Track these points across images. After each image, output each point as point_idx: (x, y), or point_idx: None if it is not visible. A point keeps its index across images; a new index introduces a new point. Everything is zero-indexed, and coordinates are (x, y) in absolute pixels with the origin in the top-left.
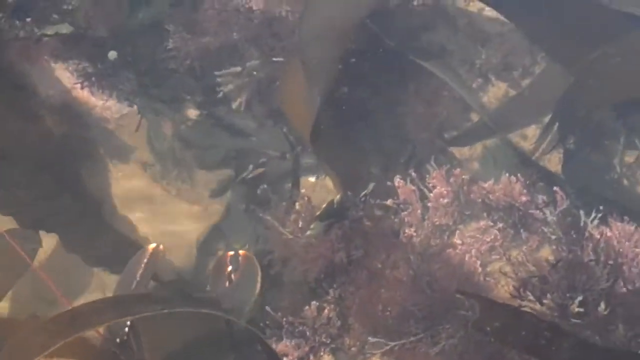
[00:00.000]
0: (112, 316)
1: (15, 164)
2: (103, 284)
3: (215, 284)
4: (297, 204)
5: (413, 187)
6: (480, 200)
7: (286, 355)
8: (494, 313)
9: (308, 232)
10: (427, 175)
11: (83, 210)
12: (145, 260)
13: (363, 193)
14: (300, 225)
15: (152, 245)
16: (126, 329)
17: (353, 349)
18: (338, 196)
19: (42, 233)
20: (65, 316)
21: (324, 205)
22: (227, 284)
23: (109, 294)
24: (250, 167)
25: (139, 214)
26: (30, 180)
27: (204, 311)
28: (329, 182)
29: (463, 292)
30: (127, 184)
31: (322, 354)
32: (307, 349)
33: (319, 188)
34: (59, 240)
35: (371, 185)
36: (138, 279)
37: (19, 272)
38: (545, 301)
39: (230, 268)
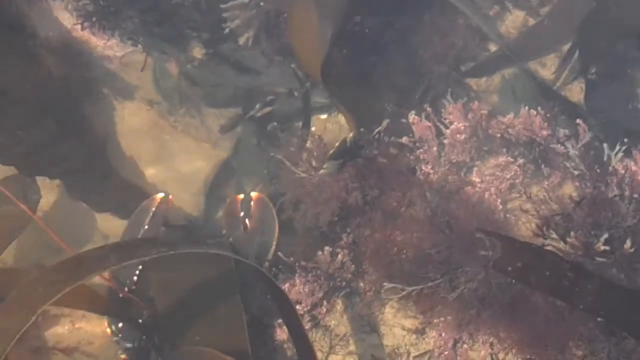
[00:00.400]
0: (116, 260)
1: (15, 108)
2: (107, 233)
3: (230, 229)
4: (308, 142)
5: (429, 123)
6: (499, 135)
7: (299, 302)
8: (516, 252)
9: (321, 171)
10: (443, 110)
11: (87, 154)
12: (153, 209)
13: (377, 130)
14: (313, 164)
15: (161, 195)
16: (135, 278)
17: (368, 294)
18: (351, 134)
19: (45, 181)
20: (69, 263)
21: (336, 144)
22: (242, 228)
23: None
24: (258, 105)
25: (145, 154)
26: (31, 125)
27: (211, 252)
28: (341, 119)
29: (484, 230)
30: (133, 121)
31: (336, 299)
32: (320, 294)
33: (330, 125)
34: (63, 187)
35: (385, 122)
36: (146, 227)
37: (22, 222)
38: (568, 240)
39: (242, 213)
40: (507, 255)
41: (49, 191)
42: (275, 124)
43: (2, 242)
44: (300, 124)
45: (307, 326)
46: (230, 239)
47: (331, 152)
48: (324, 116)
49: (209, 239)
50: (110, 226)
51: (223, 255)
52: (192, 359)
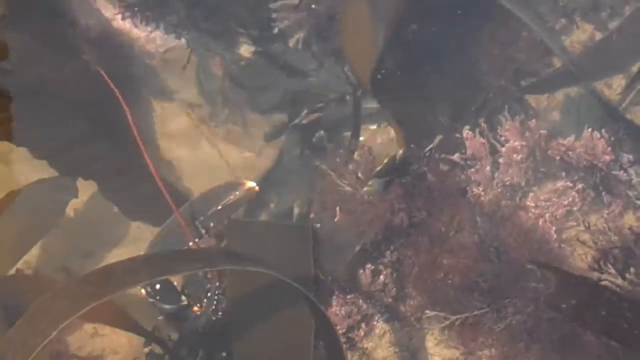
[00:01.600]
0: (146, 276)
1: (49, 102)
2: (140, 237)
3: None
4: (356, 153)
5: (483, 140)
6: (558, 157)
7: (335, 324)
8: (571, 288)
9: (365, 189)
10: (499, 127)
11: (123, 155)
12: (237, 193)
13: (429, 147)
14: (359, 177)
15: (251, 184)
16: None
17: (409, 320)
18: (400, 150)
19: (80, 181)
20: (96, 276)
21: (385, 160)
22: None
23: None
24: (305, 111)
25: (183, 160)
26: (65, 121)
27: (248, 269)
28: (391, 131)
29: (536, 262)
30: (171, 126)
31: (374, 323)
32: (358, 317)
33: (379, 137)
34: (97, 188)
35: (438, 138)
36: (219, 207)
37: (50, 222)
38: (627, 276)
39: None
40: (561, 290)
41: (83, 193)
42: (322, 132)
43: (27, 242)
44: (349, 134)
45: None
46: None
47: (378, 169)
48: (373, 127)
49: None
50: (145, 228)
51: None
52: None
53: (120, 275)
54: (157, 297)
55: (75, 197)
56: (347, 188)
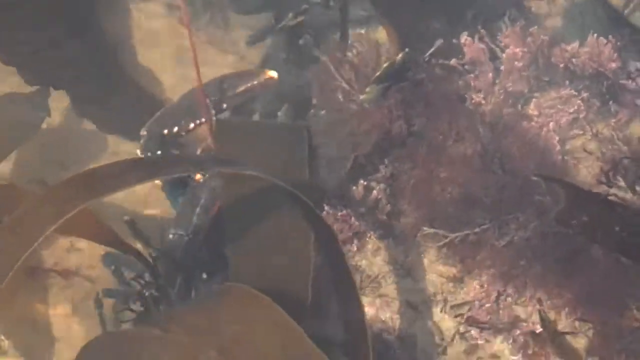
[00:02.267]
0: (135, 179)
1: (18, 3)
2: (117, 151)
3: None
4: (348, 58)
5: (482, 46)
6: (561, 64)
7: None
8: (582, 203)
9: (362, 97)
10: (499, 34)
11: (97, 59)
12: (254, 82)
13: (429, 52)
14: (353, 86)
15: (272, 73)
16: None
17: (405, 237)
18: (400, 55)
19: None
20: (80, 179)
21: (384, 65)
22: None
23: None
24: (290, 14)
25: (162, 64)
26: (34, 23)
27: (246, 173)
28: (380, 36)
29: (546, 176)
30: (149, 27)
31: (367, 240)
32: (350, 234)
33: (367, 42)
34: (70, 102)
35: (438, 42)
36: (236, 91)
37: (23, 135)
38: (638, 188)
39: None
40: (571, 205)
41: (60, 105)
42: (307, 36)
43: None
44: (335, 36)
45: None
46: None
47: (376, 74)
48: (361, 31)
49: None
50: (122, 143)
51: None
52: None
53: (106, 178)
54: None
55: (47, 115)
56: (345, 86)
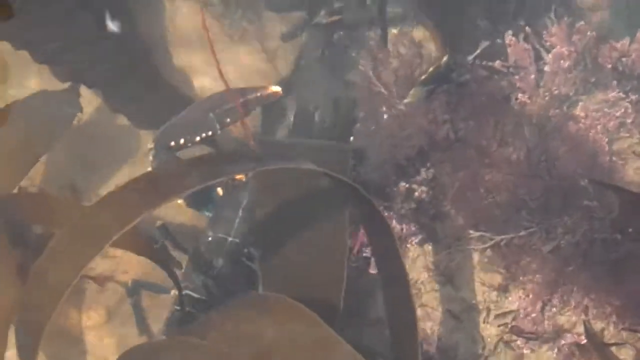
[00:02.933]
0: (199, 178)
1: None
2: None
3: None
4: (391, 58)
5: (527, 46)
6: (609, 64)
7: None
8: (638, 209)
9: (406, 100)
10: (545, 32)
11: (130, 57)
12: (257, 95)
13: (474, 54)
14: (392, 90)
15: (276, 88)
16: None
17: (448, 241)
18: (445, 57)
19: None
20: (142, 183)
21: (430, 68)
22: None
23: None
24: (323, 11)
25: (196, 62)
26: (66, 20)
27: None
28: (416, 35)
29: (598, 181)
30: (183, 25)
31: (408, 246)
32: None
33: (408, 44)
34: (102, 98)
35: (484, 44)
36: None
37: (54, 136)
38: None
39: None
40: (626, 212)
41: (88, 106)
42: (341, 33)
43: (30, 157)
44: (371, 33)
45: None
46: None
47: (423, 77)
48: (394, 30)
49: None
50: None
51: None
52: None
53: (169, 181)
54: None
55: (79, 111)
56: (383, 91)
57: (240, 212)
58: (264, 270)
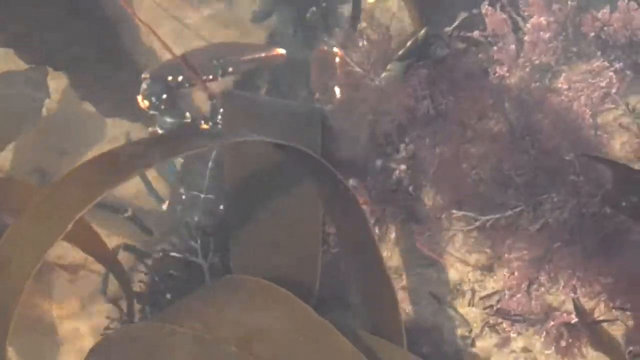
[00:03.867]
0: (161, 154)
1: None
2: (117, 135)
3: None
4: (366, 32)
5: (504, 15)
6: (592, 33)
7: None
8: (632, 184)
9: (383, 74)
10: (522, 1)
11: (98, 38)
12: (262, 54)
13: (452, 26)
14: (372, 59)
15: (281, 50)
16: None
17: (429, 222)
18: (423, 30)
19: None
20: (104, 160)
21: (409, 42)
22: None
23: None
24: None
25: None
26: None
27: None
28: (392, 5)
29: (590, 155)
30: (150, 4)
31: (389, 226)
32: (371, 221)
33: (379, 13)
34: (69, 81)
35: (462, 15)
36: (241, 59)
37: (23, 122)
38: None
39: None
40: (621, 187)
41: (55, 89)
42: (314, 8)
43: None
44: (344, 9)
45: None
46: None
47: (400, 52)
48: (371, 1)
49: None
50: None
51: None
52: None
53: (131, 158)
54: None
55: (48, 96)
56: (357, 70)
57: (210, 164)
58: (233, 245)
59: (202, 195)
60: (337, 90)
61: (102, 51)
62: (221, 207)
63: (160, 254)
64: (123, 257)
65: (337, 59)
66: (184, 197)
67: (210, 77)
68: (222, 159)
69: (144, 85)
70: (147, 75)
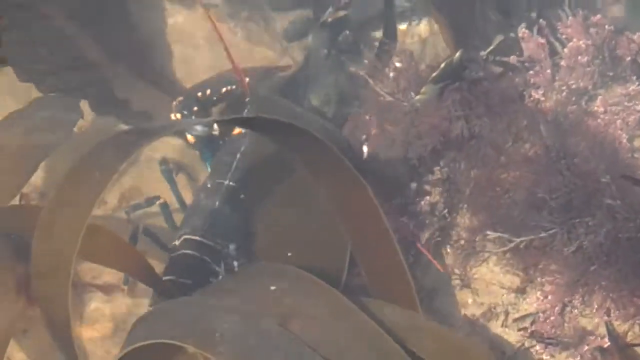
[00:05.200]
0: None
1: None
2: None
3: None
4: (396, 58)
5: (542, 40)
6: (628, 57)
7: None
8: None
9: (417, 97)
10: (559, 24)
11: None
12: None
13: (488, 50)
14: (402, 87)
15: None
16: None
17: (463, 244)
18: (458, 53)
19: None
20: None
21: (442, 64)
22: None
23: None
24: (330, 8)
25: (200, 64)
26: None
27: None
28: (422, 31)
29: (631, 177)
30: (186, 26)
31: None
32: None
33: (409, 39)
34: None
35: (498, 39)
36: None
37: (55, 141)
38: None
39: None
40: None
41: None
42: (347, 32)
43: (31, 165)
44: (377, 34)
45: None
46: None
47: (434, 74)
48: (402, 27)
49: None
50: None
51: None
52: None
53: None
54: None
55: (80, 117)
56: (389, 97)
57: (238, 155)
58: (259, 230)
59: (226, 182)
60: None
61: (138, 71)
62: (242, 196)
63: (181, 239)
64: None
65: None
66: (209, 185)
67: (234, 86)
68: (249, 150)
69: (175, 105)
70: (180, 98)
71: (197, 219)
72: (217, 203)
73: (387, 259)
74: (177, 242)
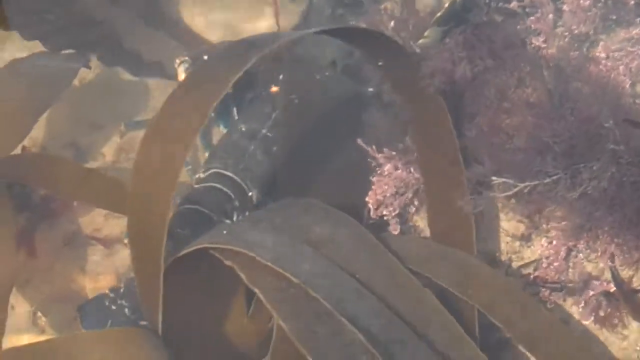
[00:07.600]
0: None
1: None
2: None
3: None
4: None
5: None
6: (632, 1)
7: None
8: None
9: (421, 40)
10: None
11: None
12: None
13: None
14: (402, 36)
15: None
16: None
17: (469, 188)
18: None
19: None
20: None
21: (445, 5)
22: None
23: None
24: None
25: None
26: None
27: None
28: None
29: (631, 121)
30: None
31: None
32: (410, 194)
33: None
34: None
35: None
36: None
37: (55, 91)
38: None
39: None
40: None
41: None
42: None
43: (32, 116)
44: None
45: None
46: None
47: (437, 15)
48: None
49: None
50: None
51: None
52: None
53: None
54: None
55: (86, 67)
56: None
57: (277, 111)
58: (284, 185)
59: (263, 131)
60: None
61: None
62: (275, 148)
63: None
64: None
65: None
66: (243, 128)
67: None
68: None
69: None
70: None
71: (229, 156)
72: (252, 147)
73: (451, 178)
74: (202, 175)
